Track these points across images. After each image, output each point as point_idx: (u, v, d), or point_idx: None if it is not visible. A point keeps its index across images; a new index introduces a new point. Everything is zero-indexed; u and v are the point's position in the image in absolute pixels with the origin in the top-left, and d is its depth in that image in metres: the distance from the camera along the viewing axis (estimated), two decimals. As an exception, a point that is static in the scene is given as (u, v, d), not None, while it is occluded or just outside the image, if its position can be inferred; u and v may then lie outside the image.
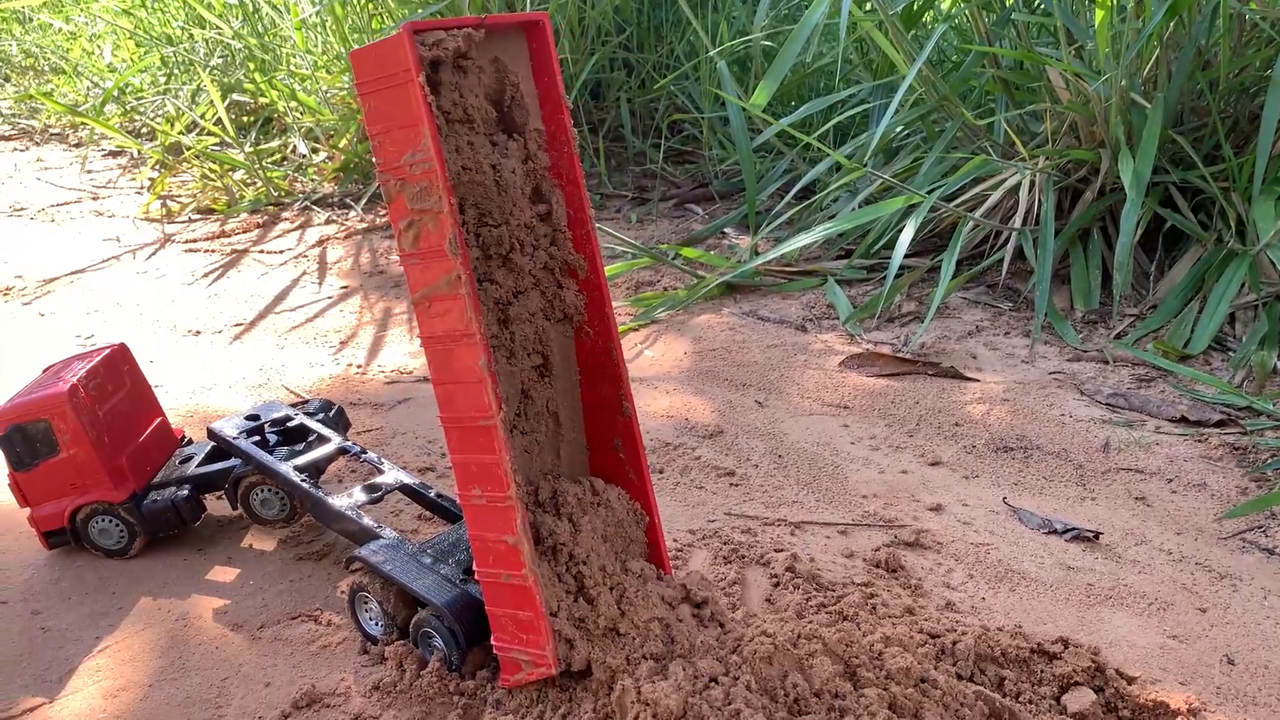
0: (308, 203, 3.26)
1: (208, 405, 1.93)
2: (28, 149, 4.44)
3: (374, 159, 0.98)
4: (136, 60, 4.41)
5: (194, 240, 3.01)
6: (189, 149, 3.51)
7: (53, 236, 3.13)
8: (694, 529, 1.45)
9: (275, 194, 3.31)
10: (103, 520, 1.43)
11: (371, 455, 1.48)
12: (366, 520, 1.32)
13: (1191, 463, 1.60)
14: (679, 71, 3.21)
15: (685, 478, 1.61)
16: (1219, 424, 1.70)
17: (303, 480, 1.38)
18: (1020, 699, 1.08)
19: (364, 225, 3.06)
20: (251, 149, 3.50)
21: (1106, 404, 1.80)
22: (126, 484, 1.43)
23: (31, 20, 5.76)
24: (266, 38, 3.76)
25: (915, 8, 2.61)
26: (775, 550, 1.38)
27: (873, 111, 2.75)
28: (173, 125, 3.75)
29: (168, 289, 2.63)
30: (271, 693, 1.17)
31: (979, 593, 1.31)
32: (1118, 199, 2.16)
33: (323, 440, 1.50)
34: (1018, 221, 2.24)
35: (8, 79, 5.62)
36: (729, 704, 0.99)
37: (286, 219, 3.18)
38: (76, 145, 4.42)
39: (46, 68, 5.42)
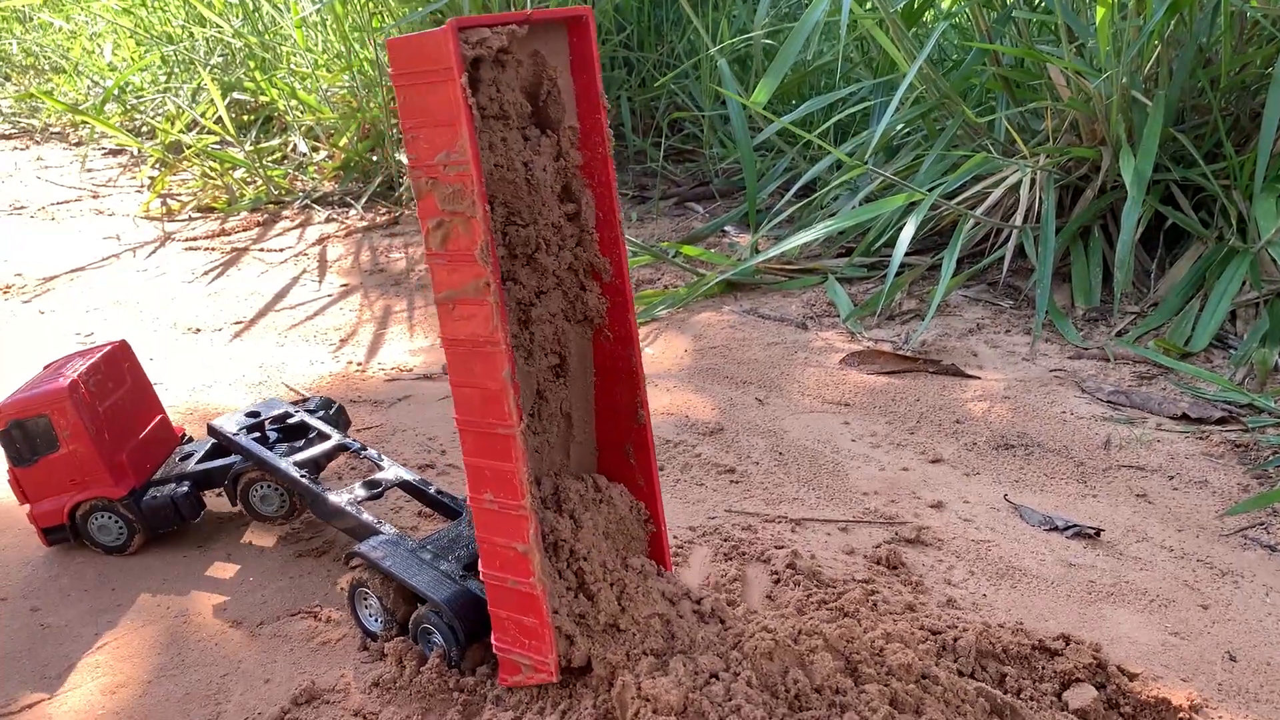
0: (308, 201, 3.26)
1: (208, 403, 1.93)
2: (28, 147, 4.44)
3: (406, 152, 0.95)
4: (137, 59, 4.41)
5: (194, 238, 3.01)
6: (189, 147, 3.50)
7: (53, 235, 3.13)
8: (694, 526, 1.45)
9: (275, 192, 3.31)
10: (102, 516, 1.42)
11: (371, 451, 1.48)
12: (366, 516, 1.31)
13: (1193, 460, 1.60)
14: (679, 70, 3.21)
15: (686, 475, 1.61)
16: (1220, 421, 1.70)
17: (302, 476, 1.38)
18: (1021, 695, 1.08)
19: (364, 224, 3.06)
20: (252, 147, 3.50)
21: (1108, 401, 1.80)
22: (126, 480, 1.43)
23: (32, 19, 5.76)
24: (267, 36, 3.76)
25: (916, 6, 2.60)
26: (776, 547, 1.38)
27: (873, 109, 2.75)
28: (173, 124, 3.75)
29: (168, 287, 2.63)
30: (271, 689, 1.17)
31: (980, 589, 1.31)
32: (1119, 197, 2.16)
33: (323, 437, 1.50)
34: (1018, 219, 2.24)
35: (8, 78, 5.62)
36: (729, 700, 0.99)
37: (286, 217, 3.18)
38: (77, 144, 4.43)
39: (47, 66, 5.42)
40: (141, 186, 3.64)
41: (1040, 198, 2.20)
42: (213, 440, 1.52)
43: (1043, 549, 1.39)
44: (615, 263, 1.10)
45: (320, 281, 2.63)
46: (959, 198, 2.34)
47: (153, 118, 3.99)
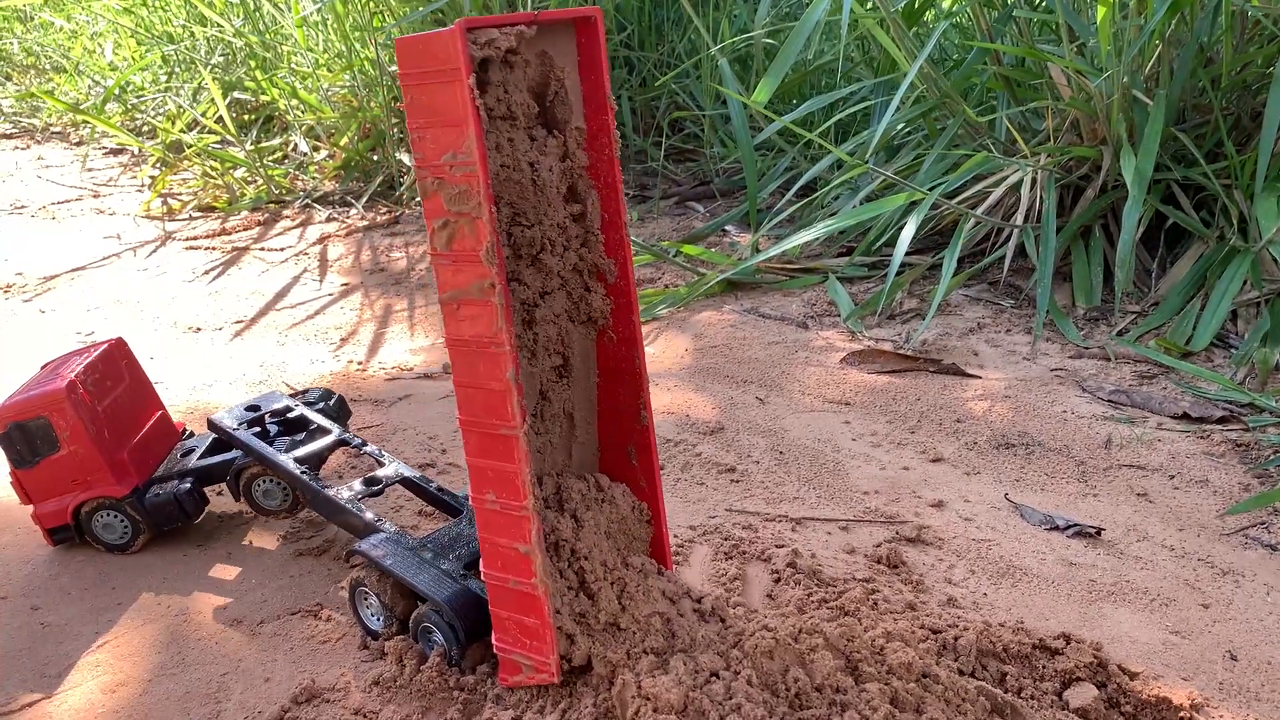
0: (309, 200, 3.26)
1: (208, 402, 1.93)
2: (29, 147, 4.44)
3: (412, 151, 0.95)
4: (138, 58, 4.41)
5: (195, 238, 3.01)
6: (190, 147, 3.51)
7: (53, 234, 3.13)
8: (695, 525, 1.45)
9: (276, 192, 3.31)
10: (107, 515, 1.42)
11: (372, 448, 1.48)
12: (367, 514, 1.31)
13: (1194, 459, 1.60)
14: (680, 69, 3.21)
15: (686, 474, 1.61)
16: (1221, 420, 1.70)
17: (303, 473, 1.38)
18: (1022, 694, 1.08)
19: (365, 223, 3.06)
20: (252, 147, 3.50)
21: (1108, 401, 1.80)
22: (129, 478, 1.43)
23: (33, 19, 5.77)
24: (267, 36, 3.76)
25: (917, 5, 2.60)
26: (776, 546, 1.38)
27: (874, 109, 2.75)
28: (174, 123, 3.75)
29: (168, 286, 2.63)
30: (271, 688, 1.17)
31: (981, 588, 1.31)
32: (1119, 196, 2.15)
33: (323, 432, 1.50)
34: (1019, 219, 2.24)
35: (9, 77, 5.62)
36: (730, 698, 0.99)
37: (287, 216, 3.18)
38: (78, 143, 4.43)
39: (48, 66, 5.42)
40: (142, 186, 3.64)
41: (1041, 197, 2.19)
42: (213, 435, 1.51)
43: (1043, 548, 1.39)
44: (620, 264, 1.10)
45: (321, 281, 2.63)
46: (960, 197, 2.34)
47: (153, 117, 3.99)
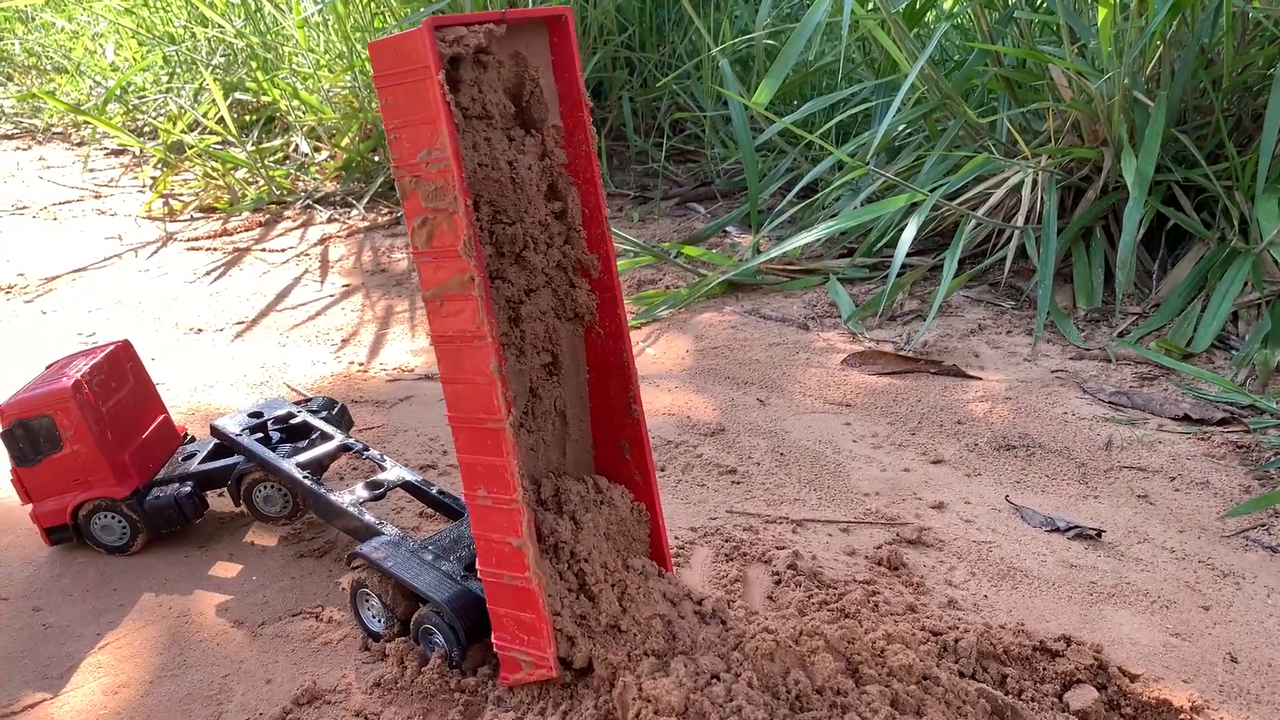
0: (310, 201, 3.26)
1: (209, 403, 1.93)
2: (30, 148, 4.44)
3: (390, 153, 0.97)
4: (139, 59, 4.41)
5: (196, 239, 3.02)
6: (191, 148, 3.51)
7: (55, 235, 3.14)
8: (695, 526, 1.45)
9: (277, 192, 3.31)
10: (105, 516, 1.43)
11: (374, 452, 1.48)
12: (368, 517, 1.32)
13: (1194, 461, 1.60)
14: (681, 70, 3.21)
15: (687, 475, 1.61)
16: (1222, 422, 1.70)
17: (305, 477, 1.38)
18: (1023, 696, 1.08)
19: (366, 224, 3.06)
20: (253, 148, 3.50)
21: (1109, 402, 1.80)
22: (129, 480, 1.43)
23: (34, 19, 5.77)
24: (269, 36, 3.76)
25: (918, 6, 2.60)
26: (777, 548, 1.38)
27: (875, 110, 2.75)
28: (175, 124, 3.75)
29: (170, 287, 2.63)
30: (272, 689, 1.17)
31: (981, 590, 1.31)
32: (1120, 197, 2.16)
33: (325, 437, 1.50)
34: (1020, 220, 2.24)
35: (10, 78, 5.63)
36: (731, 700, 0.99)
37: (288, 217, 3.18)
38: (79, 144, 4.43)
39: (49, 66, 5.43)
40: (143, 187, 3.64)
41: (1042, 198, 2.20)
42: (215, 440, 1.52)
43: (1044, 550, 1.39)
44: (603, 259, 1.11)
45: (322, 282, 2.63)
46: (961, 198, 2.34)
47: (155, 118, 3.99)
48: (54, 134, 4.66)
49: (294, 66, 3.66)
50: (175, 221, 3.20)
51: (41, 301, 2.57)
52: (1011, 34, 2.49)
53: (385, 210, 3.15)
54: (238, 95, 3.84)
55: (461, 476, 1.03)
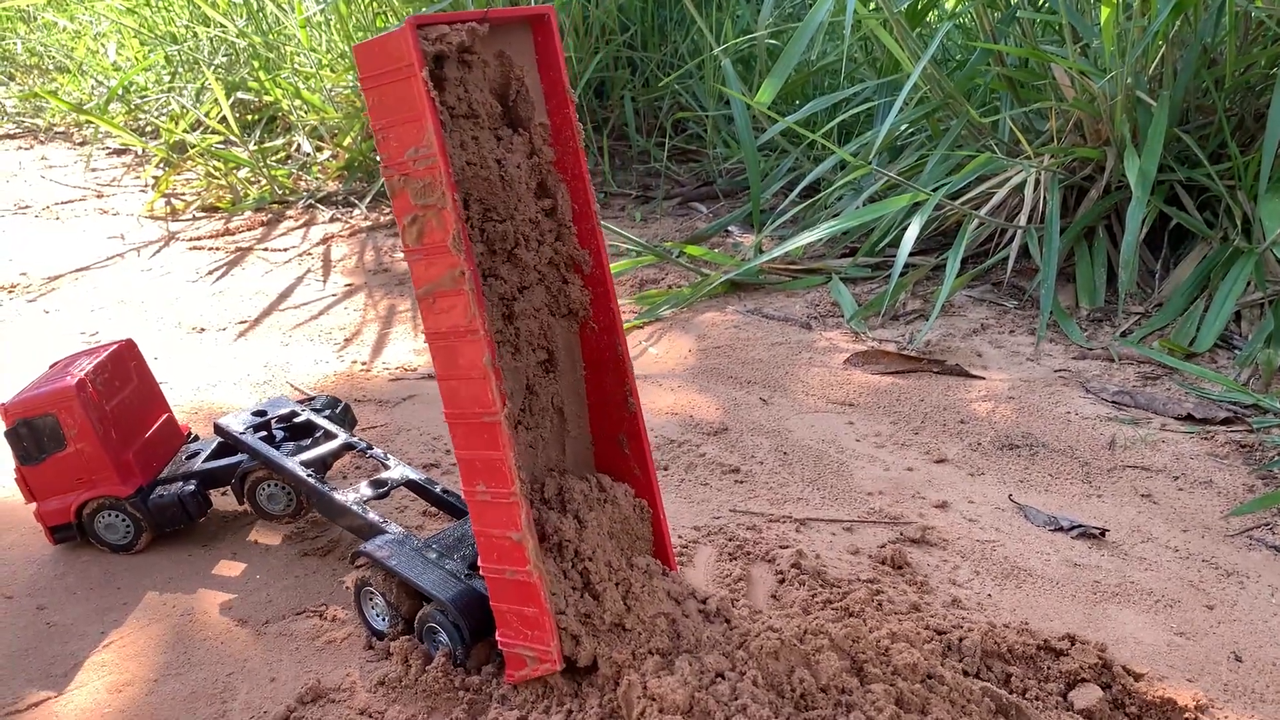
0: (312, 200, 3.26)
1: (212, 402, 1.93)
2: (32, 147, 4.45)
3: (379, 153, 0.98)
4: (141, 59, 4.41)
5: (198, 238, 3.02)
6: (193, 147, 3.51)
7: (57, 234, 3.14)
8: (699, 526, 1.45)
9: (279, 192, 3.32)
10: (109, 515, 1.43)
11: (377, 451, 1.48)
12: (372, 515, 1.32)
13: (1198, 460, 1.60)
14: (683, 70, 3.21)
15: (690, 475, 1.61)
16: (1225, 421, 1.70)
17: (309, 475, 1.38)
18: (1027, 695, 1.08)
19: (368, 223, 3.06)
20: (256, 147, 3.50)
21: (1112, 401, 1.80)
22: (133, 479, 1.43)
23: (36, 19, 5.77)
24: (271, 36, 3.76)
25: (920, 6, 2.60)
26: (781, 547, 1.38)
27: (877, 109, 2.75)
28: (177, 123, 3.76)
29: (172, 286, 2.63)
30: (277, 688, 1.17)
31: (985, 589, 1.31)
32: (1123, 197, 2.16)
33: (329, 436, 1.50)
34: (1023, 219, 2.24)
35: (13, 77, 5.63)
36: (735, 699, 0.99)
37: (291, 217, 3.18)
38: (81, 143, 4.43)
39: (51, 66, 5.43)
40: (146, 186, 3.64)
41: (1045, 198, 2.19)
42: (219, 439, 1.52)
43: (1048, 549, 1.39)
44: (594, 254, 1.12)
45: (324, 281, 2.63)
46: (963, 198, 2.34)
47: (157, 117, 3.99)
48: (56, 133, 4.67)
49: (296, 66, 3.66)
50: (177, 221, 3.20)
51: (44, 301, 2.57)
52: (1014, 33, 2.49)
53: (387, 210, 3.15)
54: (240, 95, 3.85)
55: (460, 473, 1.03)
